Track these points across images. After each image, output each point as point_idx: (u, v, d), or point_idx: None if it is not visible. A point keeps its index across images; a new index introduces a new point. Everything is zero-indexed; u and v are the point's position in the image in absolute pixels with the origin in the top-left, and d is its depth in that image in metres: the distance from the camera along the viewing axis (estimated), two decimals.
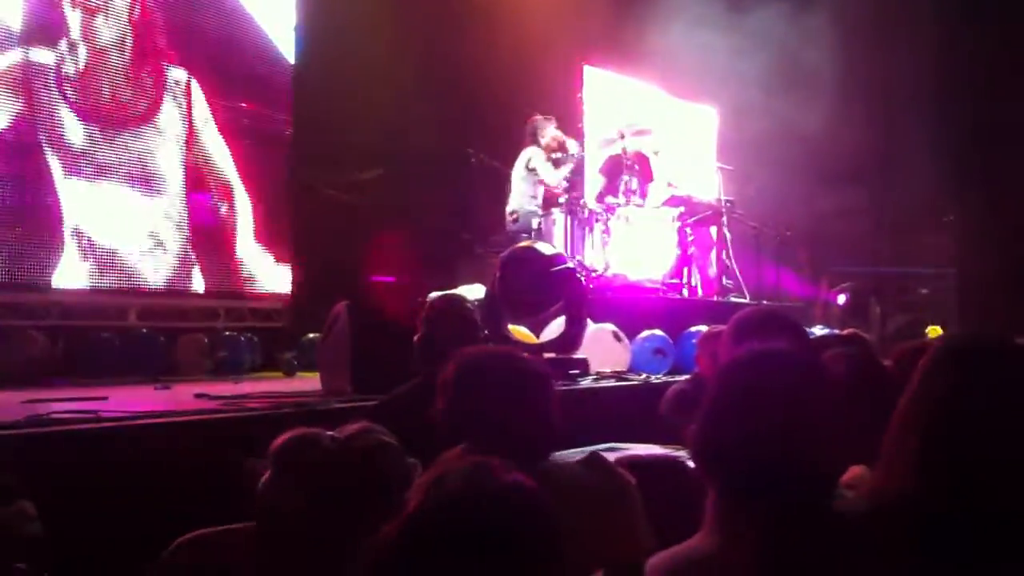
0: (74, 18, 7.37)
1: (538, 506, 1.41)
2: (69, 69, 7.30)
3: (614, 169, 9.69)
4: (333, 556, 2.00)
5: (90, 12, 7.48)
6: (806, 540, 1.52)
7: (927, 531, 1.56)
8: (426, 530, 1.36)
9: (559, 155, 9.31)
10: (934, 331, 10.46)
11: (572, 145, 9.35)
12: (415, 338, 3.83)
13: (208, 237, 8.28)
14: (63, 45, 7.29)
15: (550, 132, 9.30)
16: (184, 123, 8.14)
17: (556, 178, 9.21)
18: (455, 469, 1.43)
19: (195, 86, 8.22)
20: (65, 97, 7.26)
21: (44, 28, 7.17)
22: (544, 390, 2.44)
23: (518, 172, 9.26)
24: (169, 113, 8.02)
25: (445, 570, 1.33)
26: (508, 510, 1.37)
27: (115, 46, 7.64)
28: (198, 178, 8.23)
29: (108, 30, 7.60)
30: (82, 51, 7.40)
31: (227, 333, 7.98)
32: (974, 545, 1.54)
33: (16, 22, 7.00)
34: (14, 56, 6.98)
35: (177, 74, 8.12)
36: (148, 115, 7.86)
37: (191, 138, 8.20)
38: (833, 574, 1.53)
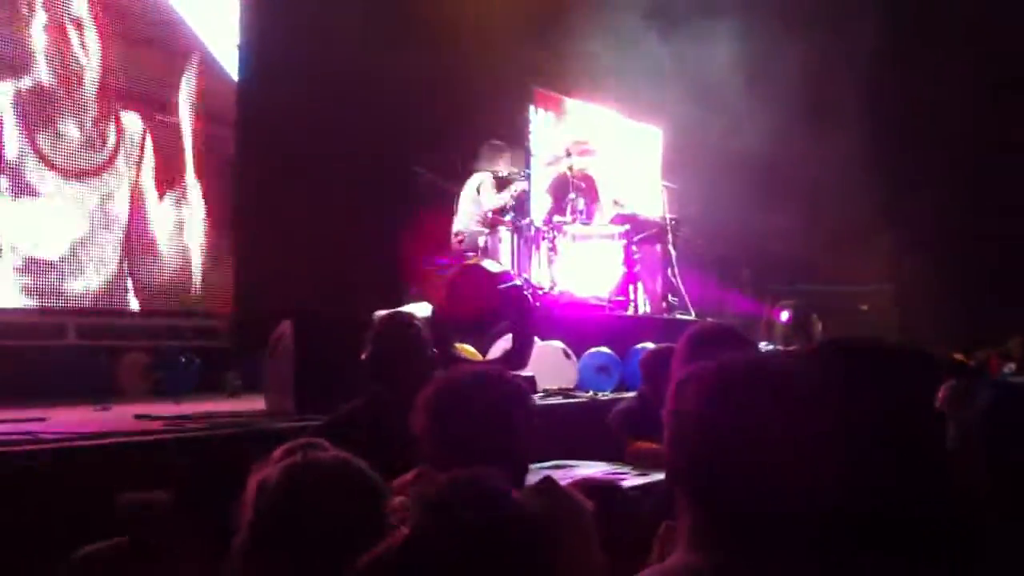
0: (39, 54, 7.30)
1: (540, 523, 1.40)
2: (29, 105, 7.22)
3: (561, 188, 9.73)
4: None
5: (55, 46, 7.40)
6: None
7: None
8: (434, 549, 1.34)
9: (506, 173, 9.29)
10: None
11: (517, 183, 9.28)
12: (362, 356, 3.80)
13: (150, 255, 8.15)
14: (26, 80, 7.20)
15: (502, 163, 9.26)
16: (135, 168, 8.03)
17: (498, 202, 9.15)
18: (459, 487, 1.41)
19: (147, 137, 8.13)
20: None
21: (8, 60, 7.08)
22: (528, 409, 2.47)
23: (467, 195, 9.18)
24: (122, 164, 7.91)
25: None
26: (519, 531, 1.37)
27: (75, 88, 7.56)
28: (139, 196, 8.11)
29: (70, 67, 7.52)
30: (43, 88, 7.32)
31: (168, 352, 7.84)
32: None
33: None
34: None
35: (131, 119, 8.01)
36: (101, 169, 7.75)
37: (139, 171, 8.09)
38: None
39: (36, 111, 7.33)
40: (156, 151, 8.25)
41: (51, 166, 7.38)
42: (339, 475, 1.98)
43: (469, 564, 1.33)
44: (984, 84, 12.50)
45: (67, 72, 7.55)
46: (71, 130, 7.56)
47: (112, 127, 7.91)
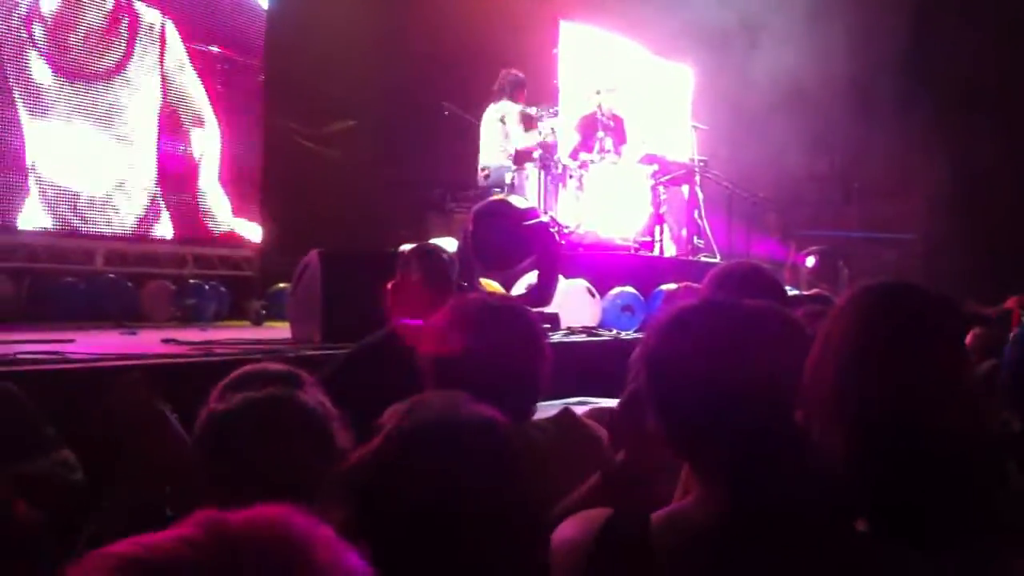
0: None
1: (509, 439, 1.42)
2: (43, 9, 7.15)
3: (589, 127, 9.64)
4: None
5: None
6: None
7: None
8: (406, 449, 1.36)
9: (533, 110, 9.23)
10: None
11: (545, 123, 9.20)
12: (388, 286, 3.80)
13: (178, 184, 8.17)
14: None
15: (522, 97, 9.19)
16: (157, 70, 8.01)
17: (528, 142, 9.11)
18: (433, 397, 1.44)
19: (169, 28, 8.08)
20: (34, 41, 7.10)
21: None
22: (541, 345, 2.41)
23: (490, 127, 9.15)
24: (142, 60, 7.88)
25: (424, 486, 1.33)
26: (485, 434, 1.38)
27: None
28: (170, 124, 8.11)
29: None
30: None
31: (194, 281, 7.90)
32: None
33: None
34: None
35: (151, 16, 7.97)
36: (120, 66, 7.72)
37: (164, 85, 8.07)
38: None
39: (64, 45, 7.31)
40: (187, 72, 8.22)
41: (75, 76, 7.36)
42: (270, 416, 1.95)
43: (437, 458, 1.35)
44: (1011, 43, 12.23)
45: None
46: (89, 32, 7.51)
47: (153, 58, 7.89)
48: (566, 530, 1.58)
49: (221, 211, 8.55)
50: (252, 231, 8.79)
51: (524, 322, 2.41)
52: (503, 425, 1.46)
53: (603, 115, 9.58)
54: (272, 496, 1.60)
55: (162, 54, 8.04)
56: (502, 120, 9.07)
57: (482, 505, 1.35)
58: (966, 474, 1.57)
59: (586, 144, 9.52)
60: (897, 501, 1.54)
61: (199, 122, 8.37)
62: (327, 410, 2.03)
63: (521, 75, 9.23)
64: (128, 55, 7.77)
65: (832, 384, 1.61)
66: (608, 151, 9.40)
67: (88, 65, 7.48)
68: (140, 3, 7.91)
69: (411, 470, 1.35)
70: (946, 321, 1.66)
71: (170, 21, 8.09)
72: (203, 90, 8.36)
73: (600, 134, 9.45)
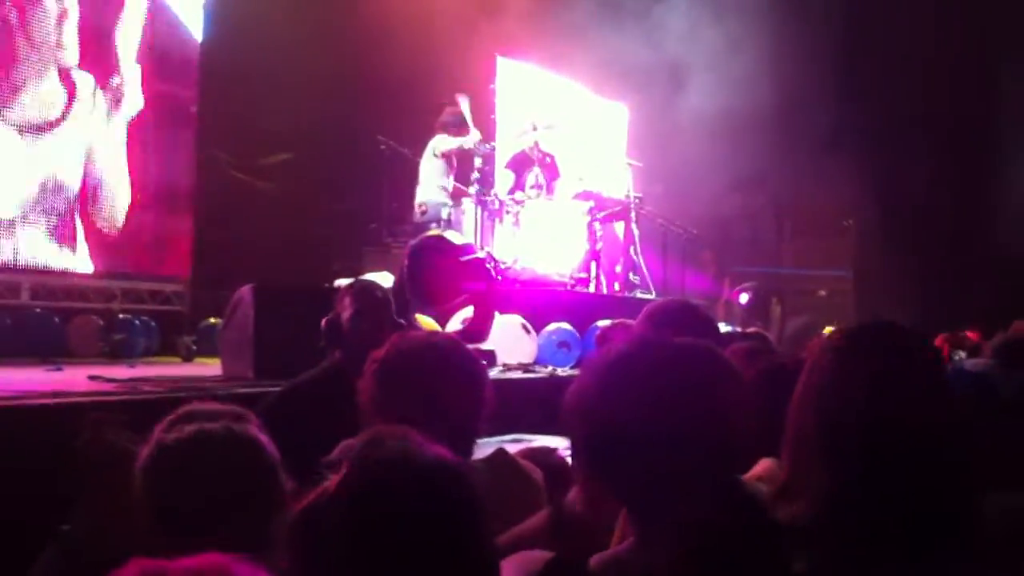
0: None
1: (469, 478, 1.39)
2: None
3: (521, 164, 9.67)
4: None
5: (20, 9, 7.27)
6: (727, 540, 1.49)
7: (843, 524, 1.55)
8: (362, 488, 1.32)
9: (471, 146, 9.22)
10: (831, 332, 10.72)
11: (473, 134, 9.20)
12: (322, 322, 3.74)
13: (107, 215, 8.01)
14: None
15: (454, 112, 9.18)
16: (88, 126, 7.86)
17: (452, 144, 9.05)
18: (385, 433, 1.40)
19: (99, 94, 7.95)
20: None
21: None
22: (483, 383, 2.39)
23: (427, 160, 9.14)
24: (76, 120, 7.75)
25: (380, 528, 1.30)
26: (442, 474, 1.35)
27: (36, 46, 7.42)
28: (98, 156, 7.95)
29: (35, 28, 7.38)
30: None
31: (122, 316, 7.73)
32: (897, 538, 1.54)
33: None
34: None
35: (84, 79, 7.84)
36: (54, 124, 7.59)
37: (95, 121, 7.94)
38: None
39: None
40: (111, 108, 8.09)
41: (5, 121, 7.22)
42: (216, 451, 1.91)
43: (394, 498, 1.32)
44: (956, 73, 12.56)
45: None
46: (27, 87, 7.39)
47: (65, 85, 7.74)
48: (507, 570, 1.55)
49: (152, 243, 8.39)
50: (182, 265, 8.63)
51: (468, 361, 2.39)
52: (463, 466, 1.43)
53: (536, 152, 9.62)
54: (217, 534, 1.54)
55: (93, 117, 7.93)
56: (435, 152, 9.06)
57: (445, 548, 1.32)
58: (960, 501, 1.58)
59: (519, 182, 9.55)
60: (894, 533, 1.54)
61: (127, 156, 8.21)
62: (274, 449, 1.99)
63: (460, 112, 9.23)
64: (64, 115, 7.65)
65: (816, 423, 1.62)
66: (541, 187, 9.43)
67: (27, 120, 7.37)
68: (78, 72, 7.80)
69: (372, 513, 1.31)
70: (926, 354, 1.70)
71: (99, 85, 7.95)
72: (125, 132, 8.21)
73: (535, 169, 9.49)
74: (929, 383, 1.64)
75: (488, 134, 9.88)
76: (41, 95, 7.50)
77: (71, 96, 7.73)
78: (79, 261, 7.79)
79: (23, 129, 7.35)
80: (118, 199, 8.11)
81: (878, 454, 1.56)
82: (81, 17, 7.78)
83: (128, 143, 8.18)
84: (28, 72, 7.41)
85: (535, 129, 9.74)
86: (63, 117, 7.66)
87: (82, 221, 7.81)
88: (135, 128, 8.24)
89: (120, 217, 8.13)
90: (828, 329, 10.94)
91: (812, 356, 1.72)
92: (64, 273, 7.68)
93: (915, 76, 12.29)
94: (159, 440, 1.93)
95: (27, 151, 7.37)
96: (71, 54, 7.73)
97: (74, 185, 7.75)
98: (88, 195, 7.86)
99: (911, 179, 12.37)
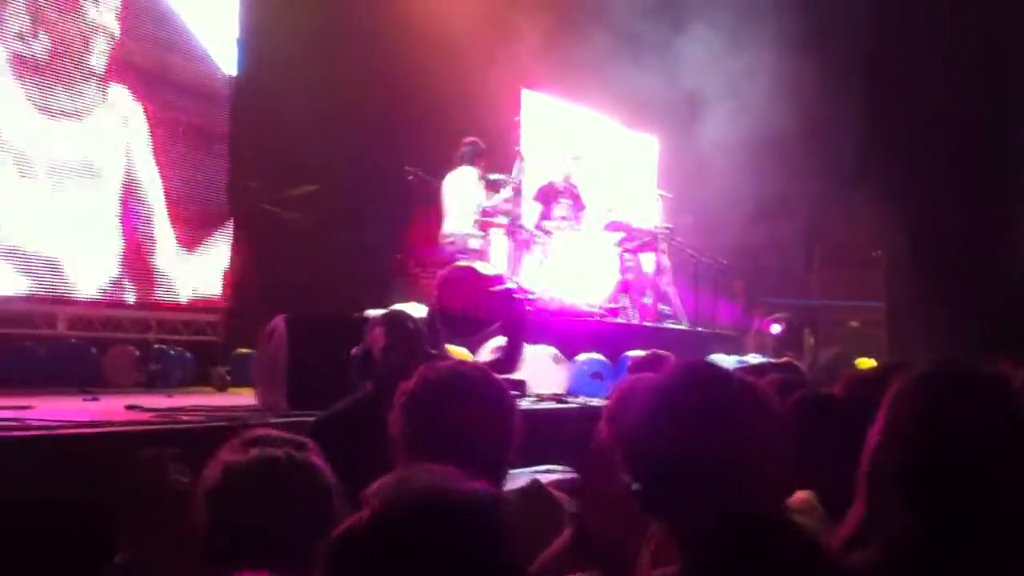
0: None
1: (499, 512, 1.41)
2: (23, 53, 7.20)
3: (548, 196, 9.69)
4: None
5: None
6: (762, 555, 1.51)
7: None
8: (392, 525, 1.34)
9: (496, 177, 9.23)
10: (864, 363, 10.63)
11: (507, 187, 9.22)
12: (353, 352, 3.78)
13: (142, 248, 8.12)
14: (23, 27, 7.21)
15: (482, 163, 9.21)
16: (123, 141, 7.99)
17: (493, 202, 9.12)
18: (421, 470, 1.43)
19: (136, 107, 8.09)
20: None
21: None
22: (512, 412, 2.38)
23: (453, 191, 9.12)
24: (109, 131, 7.87)
25: (408, 560, 1.32)
26: (474, 510, 1.37)
27: (70, 46, 7.55)
28: (134, 189, 8.08)
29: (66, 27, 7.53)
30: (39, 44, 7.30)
31: (158, 346, 7.82)
32: None
33: None
34: None
35: (118, 91, 7.98)
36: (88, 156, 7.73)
37: (129, 154, 8.06)
38: None
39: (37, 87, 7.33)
40: (148, 141, 8.23)
41: (48, 148, 7.35)
42: (281, 475, 1.95)
43: (424, 536, 1.34)
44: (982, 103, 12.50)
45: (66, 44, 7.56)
46: (65, 106, 7.53)
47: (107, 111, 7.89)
48: None
49: (187, 276, 8.49)
50: (217, 296, 8.72)
51: (495, 390, 2.38)
52: (494, 499, 1.45)
53: (563, 183, 9.64)
54: (272, 556, 1.57)
55: (130, 125, 8.05)
56: (462, 188, 9.06)
57: None
58: None
59: (547, 213, 9.57)
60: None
61: (164, 188, 8.33)
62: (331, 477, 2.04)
63: (481, 143, 9.24)
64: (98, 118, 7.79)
65: (900, 464, 1.63)
66: (565, 218, 9.44)
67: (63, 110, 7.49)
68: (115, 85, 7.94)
69: (401, 546, 1.33)
70: (1004, 394, 1.70)
71: (135, 96, 8.09)
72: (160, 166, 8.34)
73: (565, 200, 9.52)
74: (1008, 426, 1.64)
75: (511, 166, 9.87)
76: (79, 129, 7.63)
77: (107, 130, 7.87)
78: (114, 291, 7.89)
79: (55, 167, 7.48)
80: (154, 231, 8.23)
81: (963, 502, 1.57)
82: (116, 50, 7.94)
83: (163, 174, 8.31)
84: (72, 105, 7.56)
85: (572, 159, 9.76)
86: (97, 151, 7.80)
87: (120, 255, 7.92)
88: (169, 160, 8.36)
89: (156, 248, 8.25)
90: (862, 361, 10.87)
91: (895, 392, 1.74)
92: (100, 303, 7.77)
93: (943, 102, 12.24)
94: (226, 461, 1.98)
95: (64, 185, 7.50)
96: (118, 92, 7.91)
97: (111, 220, 7.86)
98: (126, 229, 7.97)
99: (940, 208, 12.30)
